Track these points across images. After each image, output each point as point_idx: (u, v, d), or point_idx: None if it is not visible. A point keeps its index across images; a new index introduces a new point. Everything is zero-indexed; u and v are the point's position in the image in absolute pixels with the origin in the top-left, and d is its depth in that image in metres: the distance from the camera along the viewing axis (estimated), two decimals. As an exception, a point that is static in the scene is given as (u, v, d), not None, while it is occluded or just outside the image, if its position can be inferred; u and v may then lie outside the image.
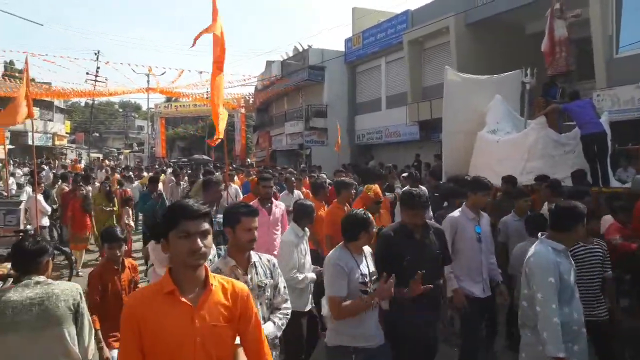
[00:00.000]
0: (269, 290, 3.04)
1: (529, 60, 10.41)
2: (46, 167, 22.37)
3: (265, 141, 32.95)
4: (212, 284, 1.99)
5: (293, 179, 9.01)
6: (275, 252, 4.72)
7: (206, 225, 1.96)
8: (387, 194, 7.25)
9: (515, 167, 7.37)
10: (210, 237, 1.99)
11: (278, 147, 30.12)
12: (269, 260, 3.12)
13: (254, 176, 10.59)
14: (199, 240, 1.91)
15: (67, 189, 11.03)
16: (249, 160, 32.87)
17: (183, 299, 1.91)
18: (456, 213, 4.45)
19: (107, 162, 31.33)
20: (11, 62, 36.40)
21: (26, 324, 2.61)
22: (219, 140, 6.17)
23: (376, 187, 5.53)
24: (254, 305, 2.15)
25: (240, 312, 2.04)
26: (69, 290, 2.79)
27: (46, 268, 2.90)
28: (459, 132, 8.64)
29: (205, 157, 33.17)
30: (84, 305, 2.85)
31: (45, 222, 9.54)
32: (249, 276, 2.93)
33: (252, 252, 3.01)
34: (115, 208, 9.58)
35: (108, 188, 9.75)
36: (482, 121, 8.50)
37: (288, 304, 3.14)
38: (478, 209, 4.45)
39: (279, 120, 31.04)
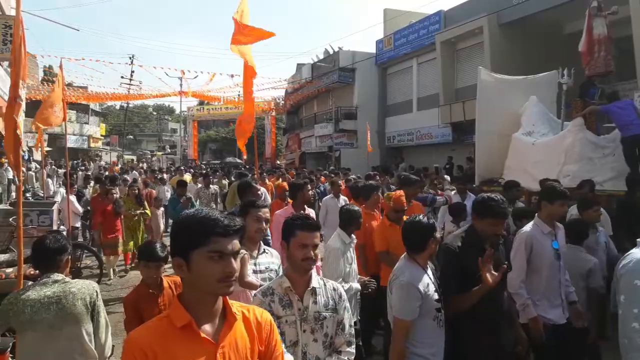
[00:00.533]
0: (329, 325, 2.48)
1: (566, 61, 10.05)
2: (82, 169, 22.98)
3: (294, 143, 33.05)
4: (235, 313, 1.63)
5: (340, 182, 8.71)
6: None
7: (239, 244, 1.60)
8: (437, 198, 7.00)
9: (551, 170, 7.09)
10: (239, 258, 1.64)
11: (307, 149, 30.15)
12: (334, 289, 2.57)
13: (281, 180, 10.22)
14: (233, 261, 1.56)
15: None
16: (278, 162, 33.04)
17: (203, 335, 1.53)
18: (528, 227, 3.82)
19: (141, 164, 31.96)
20: (50, 67, 37.57)
21: (45, 322, 2.66)
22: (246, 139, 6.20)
23: (399, 193, 5.00)
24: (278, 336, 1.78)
25: (266, 347, 1.70)
26: (85, 289, 2.84)
27: (65, 266, 2.96)
28: (493, 133, 8.38)
29: (237, 159, 33.25)
30: (100, 303, 2.89)
31: (78, 223, 9.68)
32: (305, 304, 2.43)
33: (314, 275, 2.50)
34: (146, 211, 9.16)
35: (137, 191, 9.25)
36: (517, 123, 8.23)
37: (352, 349, 2.54)
38: (554, 221, 3.85)
39: (308, 123, 31.08)
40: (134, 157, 46.07)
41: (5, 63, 17.22)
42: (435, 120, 20.10)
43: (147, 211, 9.22)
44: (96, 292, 2.90)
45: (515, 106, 8.41)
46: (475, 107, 8.62)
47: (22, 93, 3.90)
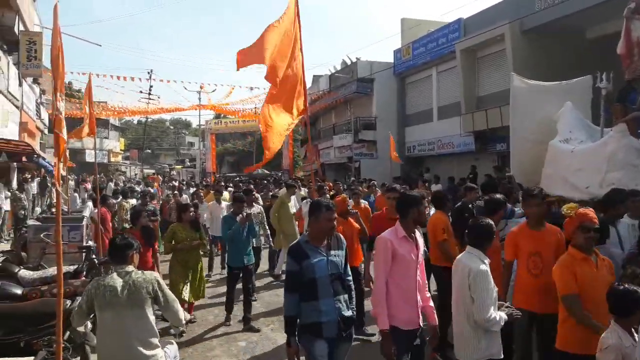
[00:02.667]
0: None
1: (593, 66, 9.82)
2: (111, 183, 23.26)
3: (313, 155, 32.93)
4: None
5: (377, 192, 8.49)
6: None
7: None
8: (516, 210, 6.38)
9: (593, 178, 6.82)
10: None
11: (326, 160, 30.01)
12: None
13: (329, 193, 9.39)
14: None
15: (127, 205, 10.44)
16: (295, 175, 32.91)
17: None
18: None
19: (159, 177, 32.06)
20: (70, 84, 38.17)
21: (119, 304, 3.37)
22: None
23: (586, 210, 3.95)
24: None
25: None
26: (148, 279, 3.52)
27: (132, 259, 3.66)
28: (528, 140, 8.11)
29: (265, 171, 32.70)
30: (163, 288, 3.57)
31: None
32: None
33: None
34: (204, 241, 7.54)
35: (192, 213, 7.21)
36: (553, 129, 7.96)
37: None
38: None
39: (327, 134, 30.99)
40: (153, 171, 46.36)
41: (30, 79, 17.49)
42: (457, 129, 19.84)
43: (205, 241, 7.75)
44: (158, 281, 3.56)
45: (550, 112, 8.14)
46: (509, 114, 8.37)
47: (61, 106, 3.81)
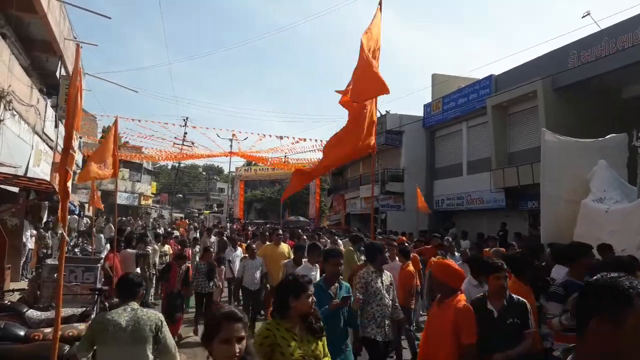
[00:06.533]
0: None
1: (628, 125, 9.51)
2: (128, 227, 23.45)
3: (339, 204, 32.76)
4: None
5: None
6: None
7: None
8: None
9: (630, 240, 6.44)
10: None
11: (352, 210, 29.76)
12: None
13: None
14: None
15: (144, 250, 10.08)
16: (322, 224, 32.66)
17: None
18: None
19: (186, 222, 32.29)
20: (108, 127, 39.53)
21: (122, 339, 3.40)
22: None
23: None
24: None
25: None
26: (152, 318, 3.55)
27: (140, 297, 3.79)
28: (559, 198, 7.79)
29: (303, 219, 32.00)
30: (165, 329, 3.59)
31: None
32: None
33: None
34: None
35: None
36: (585, 188, 7.64)
37: None
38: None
39: (353, 184, 30.87)
40: (182, 215, 46.87)
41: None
42: (487, 185, 19.44)
43: None
44: (161, 321, 3.58)
45: (582, 170, 7.85)
46: (540, 170, 8.08)
47: (76, 145, 3.79)
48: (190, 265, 8.57)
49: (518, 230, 16.53)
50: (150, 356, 3.49)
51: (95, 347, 3.55)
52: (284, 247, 9.05)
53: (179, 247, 11.46)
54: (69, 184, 3.70)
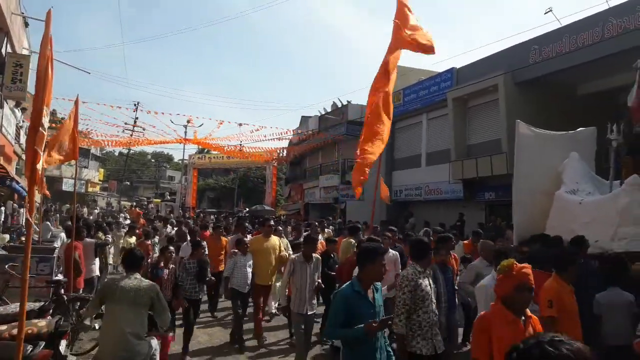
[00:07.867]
0: None
1: (583, 120, 9.75)
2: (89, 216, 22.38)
3: (297, 194, 32.52)
4: None
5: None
6: None
7: None
8: None
9: (604, 231, 6.52)
10: None
11: (311, 200, 29.59)
12: None
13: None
14: None
15: (104, 239, 9.92)
16: (278, 214, 32.26)
17: None
18: None
19: (137, 209, 31.04)
20: (54, 112, 37.40)
21: (126, 301, 4.16)
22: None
23: None
24: None
25: None
26: (150, 288, 4.34)
27: (142, 268, 4.69)
28: (534, 191, 7.82)
29: (268, 207, 30.58)
30: (160, 297, 4.38)
31: (96, 271, 8.28)
32: None
33: None
34: None
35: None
36: (558, 180, 7.71)
37: None
38: None
39: (312, 174, 30.69)
40: (132, 203, 45.19)
41: (12, 102, 16.89)
42: (445, 176, 19.69)
43: None
44: (157, 292, 4.36)
45: (556, 162, 7.91)
46: (514, 162, 8.08)
47: (46, 121, 3.33)
48: (169, 264, 6.88)
49: (476, 220, 16.87)
50: (145, 316, 4.31)
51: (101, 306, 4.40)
52: (275, 240, 7.96)
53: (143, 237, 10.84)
54: (39, 166, 3.25)
